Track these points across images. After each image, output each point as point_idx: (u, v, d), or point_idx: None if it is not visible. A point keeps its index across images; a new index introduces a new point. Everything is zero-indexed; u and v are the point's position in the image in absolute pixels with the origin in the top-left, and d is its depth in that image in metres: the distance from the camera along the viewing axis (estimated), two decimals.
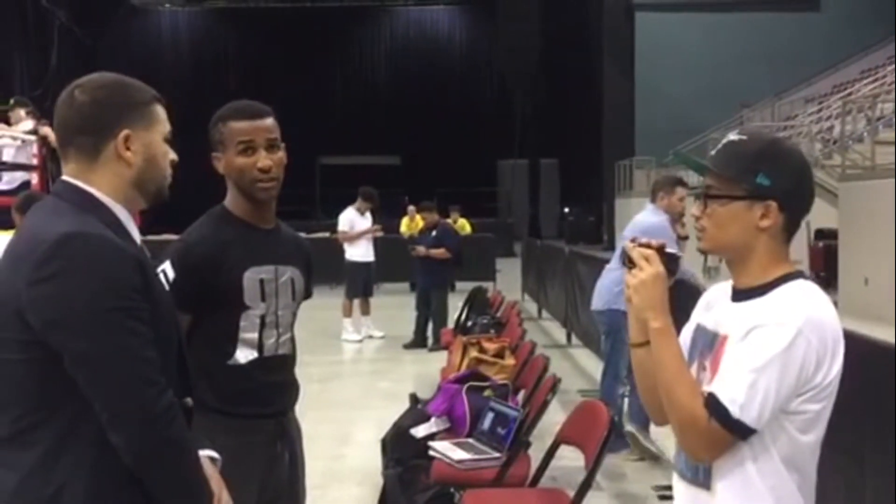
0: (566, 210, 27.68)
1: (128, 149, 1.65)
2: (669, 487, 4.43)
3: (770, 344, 1.52)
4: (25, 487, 1.53)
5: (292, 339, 2.39)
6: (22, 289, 1.51)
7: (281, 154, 2.30)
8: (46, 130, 7.74)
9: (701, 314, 1.76)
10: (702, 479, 1.64)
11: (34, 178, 7.94)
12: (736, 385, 1.53)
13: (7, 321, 1.53)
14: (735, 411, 1.52)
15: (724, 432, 1.53)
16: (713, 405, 1.54)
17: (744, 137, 1.66)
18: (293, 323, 2.40)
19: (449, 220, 12.45)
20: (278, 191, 2.31)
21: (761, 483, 1.57)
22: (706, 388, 1.58)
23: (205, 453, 1.76)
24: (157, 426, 1.54)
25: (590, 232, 24.42)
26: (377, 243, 10.08)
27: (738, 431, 1.53)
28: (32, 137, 7.96)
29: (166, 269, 2.18)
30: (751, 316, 1.58)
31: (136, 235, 1.68)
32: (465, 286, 10.06)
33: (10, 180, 8.09)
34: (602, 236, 23.16)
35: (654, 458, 5.06)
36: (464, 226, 15.13)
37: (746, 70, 21.42)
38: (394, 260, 11.53)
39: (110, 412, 1.52)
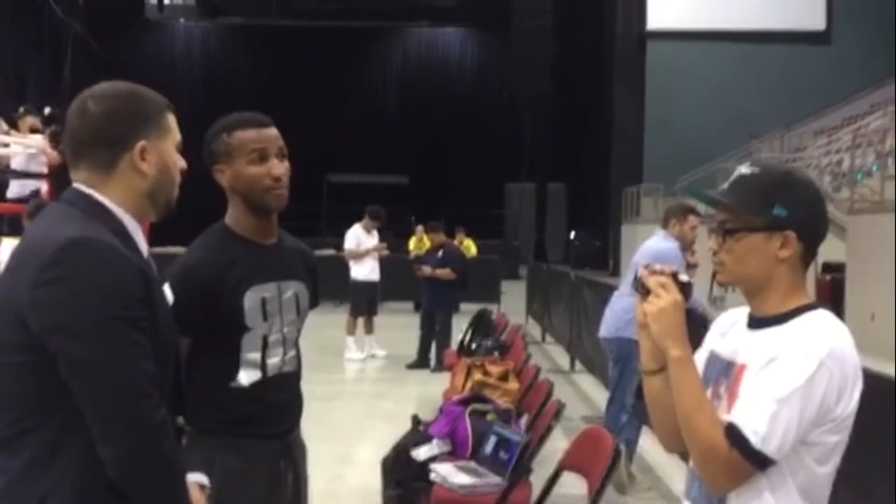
0: (572, 235, 27.67)
1: (143, 160, 1.63)
2: None
3: (793, 375, 1.51)
4: (10, 492, 1.51)
5: (297, 355, 2.35)
6: (24, 291, 1.49)
7: (287, 164, 2.26)
8: (48, 152, 7.69)
9: (715, 341, 1.75)
10: None
11: (44, 187, 7.96)
12: (758, 415, 1.52)
13: (8, 324, 1.51)
14: (756, 442, 1.51)
15: (745, 463, 1.52)
16: (734, 435, 1.52)
17: (756, 170, 1.66)
18: (298, 339, 2.36)
19: (455, 241, 12.44)
20: (287, 201, 2.26)
21: None
22: (726, 418, 1.57)
23: (194, 478, 1.73)
24: (148, 441, 1.51)
25: (596, 257, 24.38)
26: (383, 262, 10.08)
27: (759, 462, 1.52)
28: (42, 144, 7.96)
29: (165, 292, 2.14)
30: (771, 345, 1.57)
31: (144, 247, 1.66)
32: (469, 308, 10.01)
33: (20, 188, 8.11)
34: (608, 262, 23.14)
35: (620, 486, 4.98)
36: (469, 247, 15.13)
37: (756, 101, 21.47)
38: (399, 279, 11.52)
39: (102, 422, 1.49)
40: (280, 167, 2.22)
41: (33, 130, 7.98)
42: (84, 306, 1.48)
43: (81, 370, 1.49)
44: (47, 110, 8.43)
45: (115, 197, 1.63)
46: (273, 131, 2.25)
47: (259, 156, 2.20)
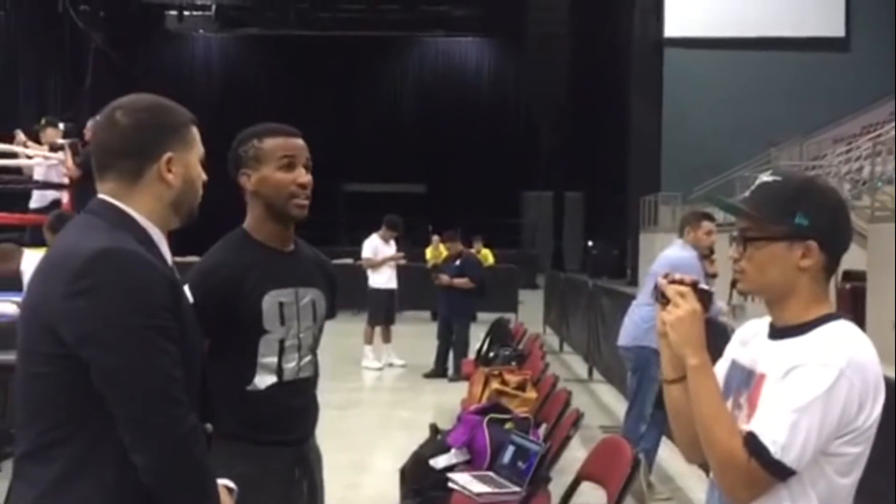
0: (590, 244, 27.59)
1: (169, 171, 1.66)
2: None
3: (813, 384, 1.50)
4: (43, 503, 1.52)
5: (314, 361, 2.37)
6: (55, 302, 1.51)
7: (311, 177, 2.31)
8: (69, 164, 7.76)
9: (736, 350, 1.74)
10: None
11: (65, 197, 8.03)
12: (777, 425, 1.50)
13: (39, 335, 1.54)
14: (776, 452, 1.49)
15: (764, 473, 1.51)
16: (753, 445, 1.51)
17: (778, 178, 1.65)
18: (315, 345, 2.38)
19: (472, 250, 12.45)
20: (307, 212, 2.31)
21: None
22: (745, 427, 1.55)
23: (222, 482, 1.74)
24: (180, 447, 1.53)
25: (614, 266, 24.30)
26: (400, 271, 10.09)
27: (778, 472, 1.51)
28: (63, 156, 8.04)
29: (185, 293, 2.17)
30: (791, 355, 1.55)
31: (168, 255, 1.69)
32: (486, 317, 10.02)
33: (41, 198, 8.19)
34: (626, 271, 23.04)
35: (639, 496, 4.95)
36: (487, 256, 15.12)
37: (774, 108, 21.36)
38: (416, 288, 11.52)
39: (135, 430, 1.51)
40: (306, 177, 2.28)
41: (53, 148, 8.04)
42: (114, 316, 1.50)
43: (113, 379, 1.51)
44: (62, 125, 8.51)
45: (141, 207, 1.65)
46: (302, 142, 2.32)
47: (288, 163, 2.26)
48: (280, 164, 2.26)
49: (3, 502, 1.64)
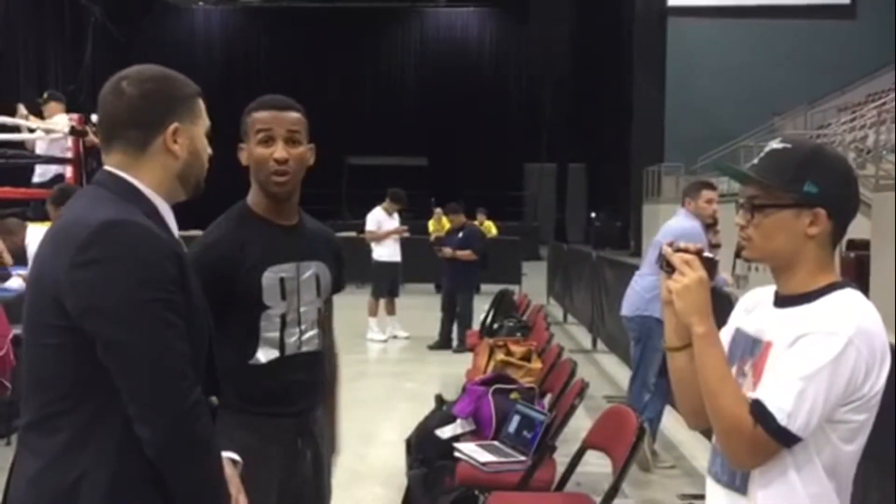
0: (593, 215, 27.56)
1: (175, 142, 1.65)
2: (696, 497, 4.36)
3: (820, 352, 1.50)
4: (47, 473, 1.53)
5: (319, 335, 2.35)
6: (61, 274, 1.51)
7: (301, 150, 2.25)
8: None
9: (740, 318, 1.74)
10: (738, 483, 1.63)
11: (68, 172, 8.02)
12: (784, 393, 1.51)
13: (45, 306, 1.54)
14: (782, 419, 1.50)
15: (770, 439, 1.52)
16: (759, 412, 1.52)
17: (787, 145, 1.64)
18: (319, 319, 2.35)
19: (475, 223, 12.45)
20: (293, 188, 2.26)
21: (803, 491, 1.56)
22: (751, 395, 1.56)
23: (226, 455, 1.75)
24: (184, 420, 1.53)
25: (617, 237, 24.31)
26: (404, 244, 10.11)
27: (784, 439, 1.52)
28: (66, 129, 8.01)
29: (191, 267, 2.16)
30: (798, 323, 1.56)
31: (175, 228, 1.69)
32: (490, 289, 10.04)
33: (44, 173, 8.18)
34: (629, 242, 23.05)
35: (644, 464, 4.99)
36: (490, 228, 15.12)
37: (779, 77, 21.23)
38: (420, 261, 11.54)
39: (139, 403, 1.51)
40: (283, 151, 2.22)
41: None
42: (120, 288, 1.49)
43: (118, 352, 1.51)
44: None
45: (147, 179, 1.65)
46: (287, 115, 2.25)
47: (265, 137, 2.22)
48: (258, 139, 2.22)
49: (8, 472, 1.65)
